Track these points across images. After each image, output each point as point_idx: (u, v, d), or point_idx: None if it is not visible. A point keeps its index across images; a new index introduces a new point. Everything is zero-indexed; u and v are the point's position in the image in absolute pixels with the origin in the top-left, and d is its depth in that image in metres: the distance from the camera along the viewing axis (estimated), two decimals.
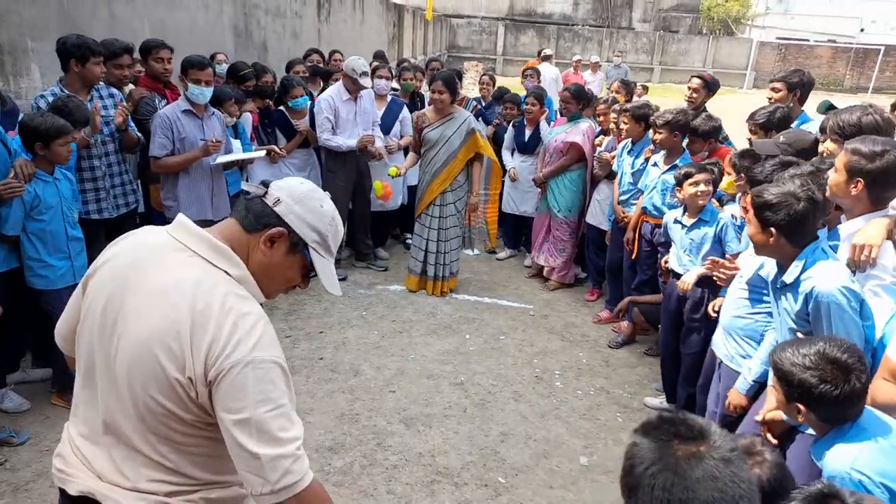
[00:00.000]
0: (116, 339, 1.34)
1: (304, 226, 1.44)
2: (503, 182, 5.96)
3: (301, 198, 1.45)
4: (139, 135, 3.94)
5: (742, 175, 3.31)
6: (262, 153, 4.63)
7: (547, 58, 11.52)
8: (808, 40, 29.29)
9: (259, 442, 1.28)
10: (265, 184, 1.46)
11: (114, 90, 3.89)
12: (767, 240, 2.19)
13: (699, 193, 3.42)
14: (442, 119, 4.92)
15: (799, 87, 3.98)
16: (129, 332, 1.33)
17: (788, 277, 2.19)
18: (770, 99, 3.99)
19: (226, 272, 1.37)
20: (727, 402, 2.65)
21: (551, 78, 10.83)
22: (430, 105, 5.06)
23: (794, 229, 2.14)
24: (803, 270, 2.16)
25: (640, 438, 1.11)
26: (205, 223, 4.24)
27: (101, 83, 3.83)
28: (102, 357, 1.37)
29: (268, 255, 1.43)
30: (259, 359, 1.30)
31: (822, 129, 3.13)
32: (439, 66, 7.48)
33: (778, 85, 4.00)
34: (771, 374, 2.35)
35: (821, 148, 2.80)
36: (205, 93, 4.00)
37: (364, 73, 5.01)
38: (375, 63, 6.30)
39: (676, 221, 3.57)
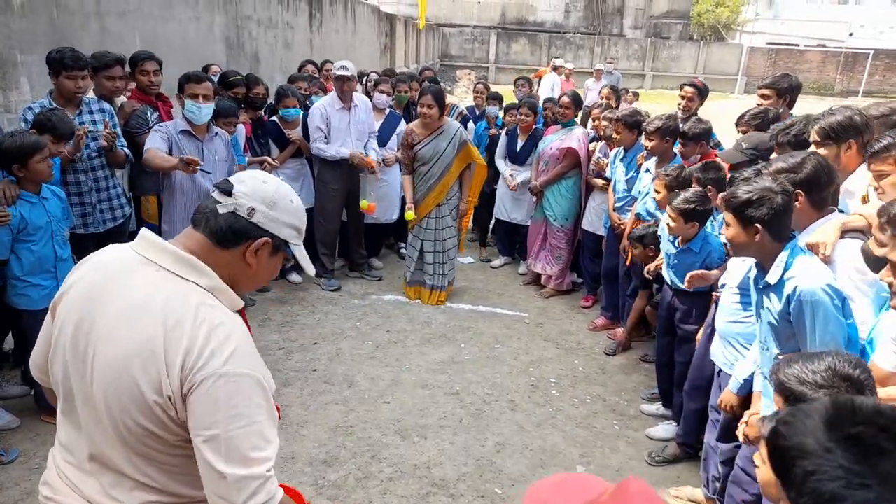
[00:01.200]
0: (90, 366, 1.30)
1: (283, 228, 1.42)
2: (495, 189, 5.98)
3: (274, 201, 1.40)
4: (127, 152, 3.85)
5: (710, 188, 3.33)
6: None
7: (556, 68, 11.73)
8: (797, 45, 29.49)
9: (227, 461, 1.23)
10: (225, 190, 1.37)
11: (105, 104, 3.82)
12: (752, 238, 2.18)
13: (668, 226, 3.38)
14: (432, 134, 4.90)
15: (788, 91, 4.00)
16: (101, 357, 1.28)
17: (772, 277, 2.18)
18: (759, 105, 4.00)
19: (196, 283, 1.33)
20: (720, 399, 2.66)
21: (548, 87, 10.97)
22: (418, 119, 4.99)
23: (776, 223, 2.16)
24: (786, 269, 2.16)
25: (826, 441, 0.82)
26: None
27: (92, 97, 3.78)
28: (79, 383, 1.33)
29: (254, 264, 1.41)
30: (232, 371, 1.25)
31: (773, 138, 3.14)
32: (432, 75, 7.51)
33: (767, 91, 4.01)
34: (765, 387, 2.34)
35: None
36: (202, 110, 3.79)
37: (342, 67, 5.02)
38: (377, 77, 6.33)
39: (670, 240, 3.51)
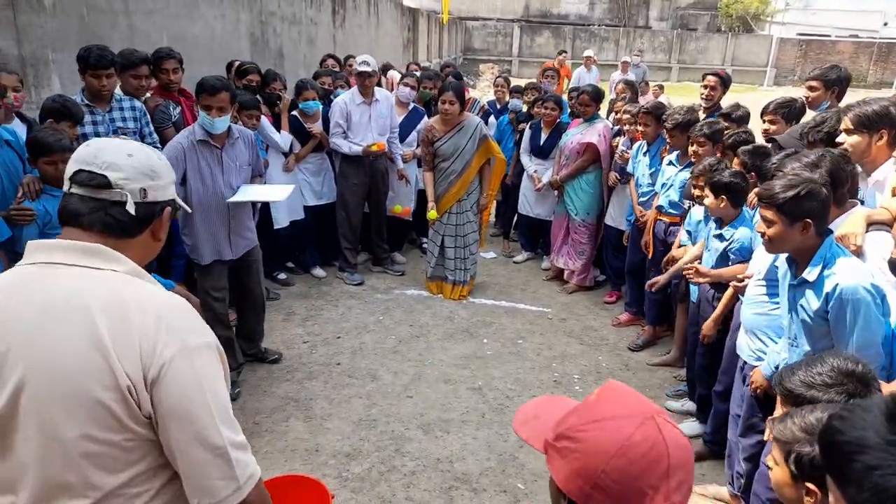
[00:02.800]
0: (13, 392, 1.14)
1: (170, 188, 1.36)
2: (519, 184, 5.96)
3: (153, 170, 1.31)
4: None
5: (753, 174, 3.24)
6: (287, 193, 3.90)
7: (587, 58, 11.93)
8: (829, 36, 28.81)
9: (223, 433, 1.19)
10: (100, 184, 1.24)
11: (136, 102, 3.90)
12: (799, 233, 2.12)
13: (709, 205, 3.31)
14: (452, 129, 4.89)
15: (836, 83, 3.86)
16: (31, 373, 1.13)
17: (811, 275, 2.14)
18: (807, 98, 3.91)
19: (113, 271, 1.22)
20: (751, 382, 2.60)
21: (575, 80, 11.09)
22: (438, 115, 4.97)
23: (823, 217, 2.12)
24: (825, 266, 2.11)
25: (889, 435, 0.82)
26: (222, 264, 3.67)
27: (122, 95, 3.85)
28: (9, 432, 1.16)
29: (160, 236, 1.36)
30: (197, 344, 1.21)
31: (803, 136, 3.10)
32: (454, 70, 7.49)
33: (815, 83, 3.89)
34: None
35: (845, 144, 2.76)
36: (216, 123, 3.36)
37: (363, 62, 5.05)
38: (403, 71, 6.34)
39: (715, 221, 3.41)
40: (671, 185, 4.17)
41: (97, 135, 3.66)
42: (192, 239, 3.56)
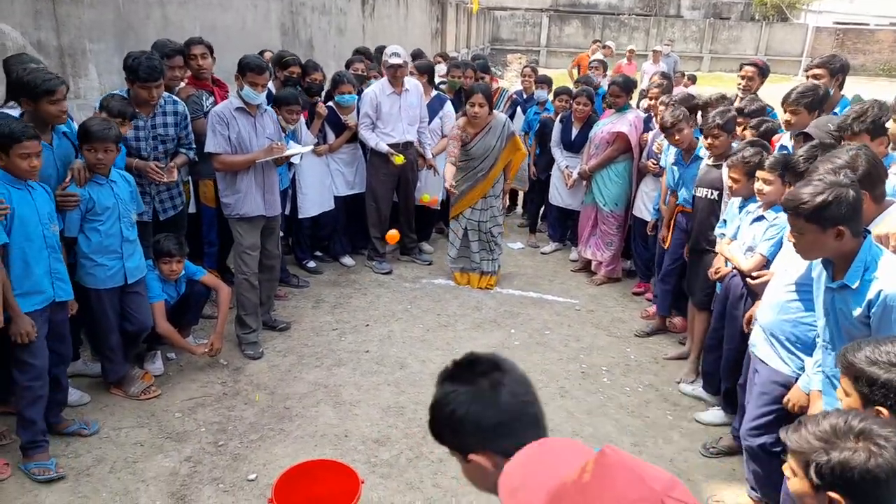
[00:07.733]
0: None
1: None
2: (549, 176, 5.94)
3: None
4: (191, 156, 4.02)
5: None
6: (310, 147, 4.61)
7: (605, 47, 11.70)
8: (867, 24, 27.95)
9: None
10: None
11: (179, 105, 3.91)
12: (833, 238, 2.04)
13: (761, 190, 3.20)
14: (482, 131, 4.88)
15: (840, 71, 3.89)
16: None
17: (853, 280, 2.06)
18: None
19: None
20: (786, 400, 2.52)
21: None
22: (466, 117, 4.88)
23: (856, 219, 2.05)
24: (866, 270, 2.04)
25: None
26: (259, 220, 3.96)
27: (166, 96, 3.83)
28: None
29: None
30: None
31: (847, 128, 3.01)
32: (482, 61, 7.45)
33: (819, 71, 3.87)
34: (825, 386, 2.24)
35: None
36: (258, 97, 3.89)
37: (394, 54, 5.05)
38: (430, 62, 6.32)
39: (748, 212, 3.29)
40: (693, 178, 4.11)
41: (138, 140, 3.71)
42: (235, 197, 3.93)
